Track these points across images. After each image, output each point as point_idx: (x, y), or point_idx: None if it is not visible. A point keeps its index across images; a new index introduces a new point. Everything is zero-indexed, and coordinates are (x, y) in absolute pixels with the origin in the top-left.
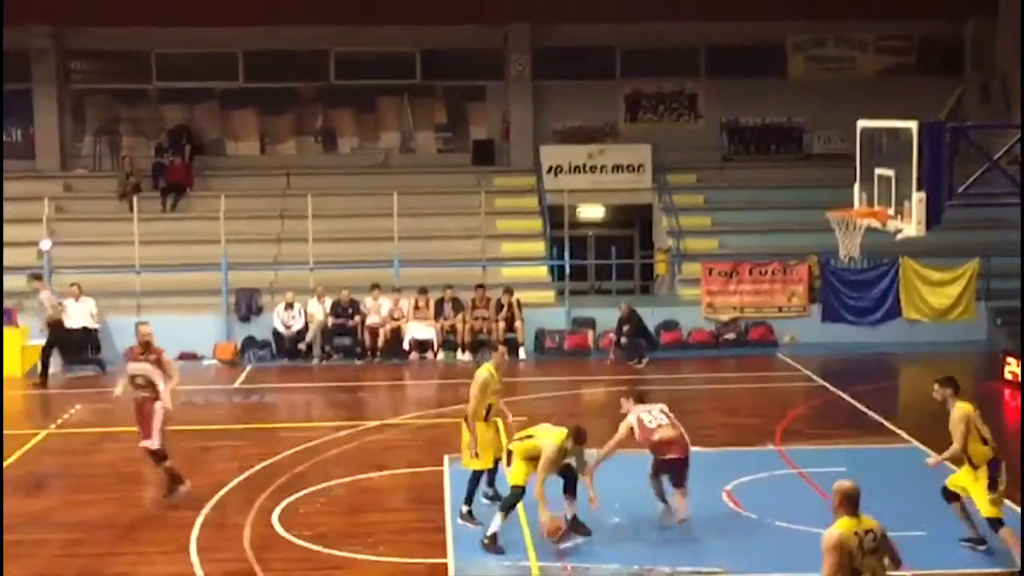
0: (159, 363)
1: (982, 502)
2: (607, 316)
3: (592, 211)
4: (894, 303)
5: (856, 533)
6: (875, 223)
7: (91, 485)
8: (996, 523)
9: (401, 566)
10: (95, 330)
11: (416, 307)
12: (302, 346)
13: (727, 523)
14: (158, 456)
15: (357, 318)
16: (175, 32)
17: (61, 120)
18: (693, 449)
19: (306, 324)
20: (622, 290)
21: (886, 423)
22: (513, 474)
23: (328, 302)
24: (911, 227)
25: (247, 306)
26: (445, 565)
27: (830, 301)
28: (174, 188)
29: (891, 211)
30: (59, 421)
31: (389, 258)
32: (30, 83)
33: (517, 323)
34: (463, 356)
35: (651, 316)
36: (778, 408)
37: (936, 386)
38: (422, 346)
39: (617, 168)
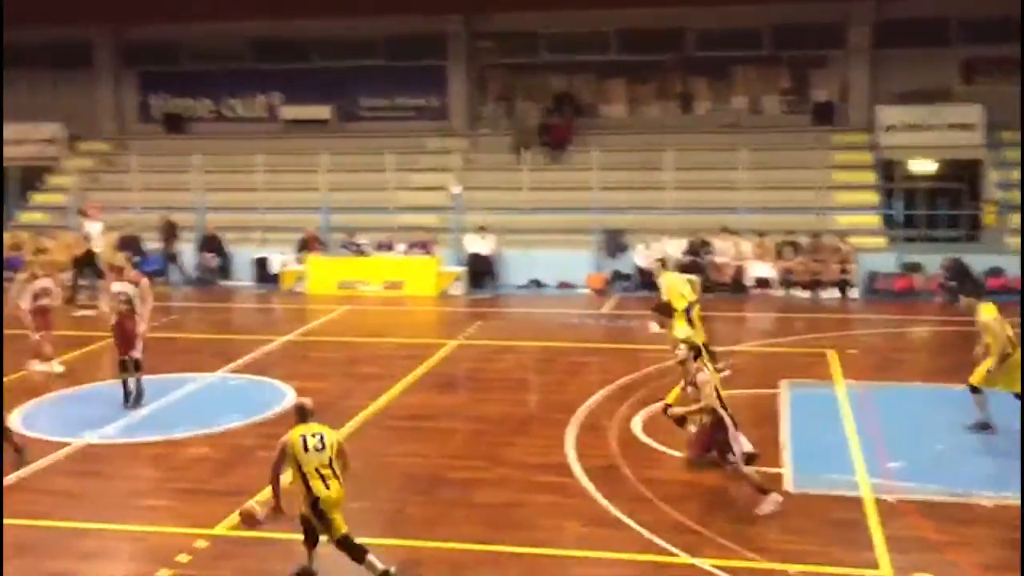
0: (139, 286)
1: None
2: (933, 261)
3: (923, 165)
4: None
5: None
6: None
7: (491, 387)
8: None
9: None
10: (490, 258)
11: (758, 248)
12: None
13: None
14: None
15: (708, 257)
16: (560, 15)
17: (469, 89)
18: None
19: None
20: (949, 238)
21: None
22: None
23: (683, 243)
24: None
25: (614, 244)
26: (781, 474)
27: None
28: (557, 144)
29: None
30: (466, 333)
31: (735, 205)
32: (445, 60)
33: (849, 265)
34: (801, 293)
35: (978, 263)
36: None
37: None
38: (763, 283)
39: (951, 127)
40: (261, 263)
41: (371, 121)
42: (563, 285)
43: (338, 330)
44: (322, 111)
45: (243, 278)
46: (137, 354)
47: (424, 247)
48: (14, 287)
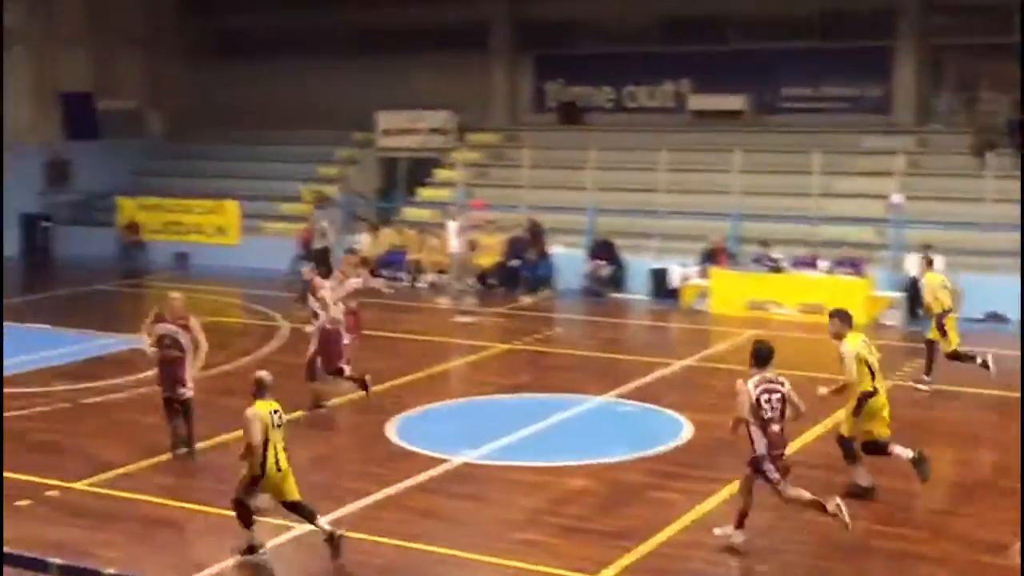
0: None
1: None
2: None
3: None
4: None
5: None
6: None
7: (933, 440)
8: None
9: None
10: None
11: None
12: None
13: None
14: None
15: None
16: None
17: (919, 76)
18: None
19: None
20: None
21: None
22: None
23: None
24: None
25: None
26: None
27: None
28: None
29: None
30: (901, 372)
31: None
32: (891, 40)
33: None
34: None
35: None
36: None
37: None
38: None
39: None
40: (658, 275)
41: (794, 114)
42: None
43: (744, 358)
44: (736, 101)
45: (637, 291)
46: (187, 394)
47: (853, 266)
48: (328, 285)
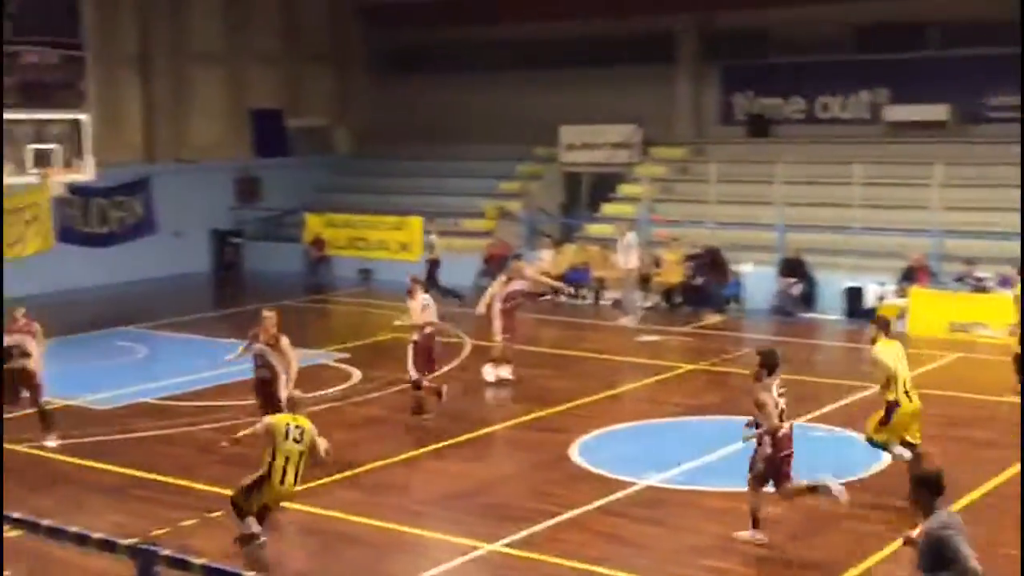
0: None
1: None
2: None
3: None
4: None
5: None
6: None
7: None
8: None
9: None
10: None
11: None
12: None
13: None
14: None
15: None
16: None
17: None
18: None
19: None
20: None
21: None
22: None
23: None
24: None
25: None
26: None
27: None
28: None
29: None
30: None
31: None
32: None
33: None
34: None
35: None
36: None
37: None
38: None
39: None
40: (853, 294)
41: (1001, 123)
42: None
43: (945, 382)
44: (937, 111)
45: (830, 310)
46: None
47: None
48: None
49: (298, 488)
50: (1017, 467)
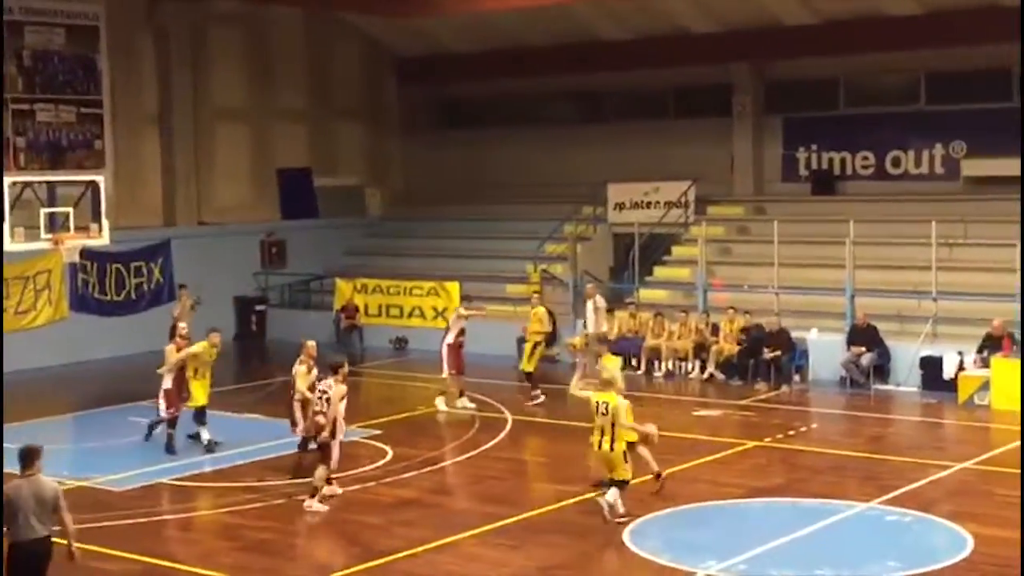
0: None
1: None
2: None
3: None
4: None
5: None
6: None
7: None
8: None
9: None
10: None
11: None
12: None
13: None
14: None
15: None
16: None
17: None
18: None
19: None
20: None
21: None
22: None
23: None
24: None
25: None
26: None
27: None
28: None
29: None
30: None
31: None
32: None
33: None
34: None
35: None
36: None
37: None
38: None
39: None
40: (930, 364)
41: None
42: None
43: None
44: (1015, 165)
45: (905, 382)
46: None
47: None
48: None
49: None
50: None
